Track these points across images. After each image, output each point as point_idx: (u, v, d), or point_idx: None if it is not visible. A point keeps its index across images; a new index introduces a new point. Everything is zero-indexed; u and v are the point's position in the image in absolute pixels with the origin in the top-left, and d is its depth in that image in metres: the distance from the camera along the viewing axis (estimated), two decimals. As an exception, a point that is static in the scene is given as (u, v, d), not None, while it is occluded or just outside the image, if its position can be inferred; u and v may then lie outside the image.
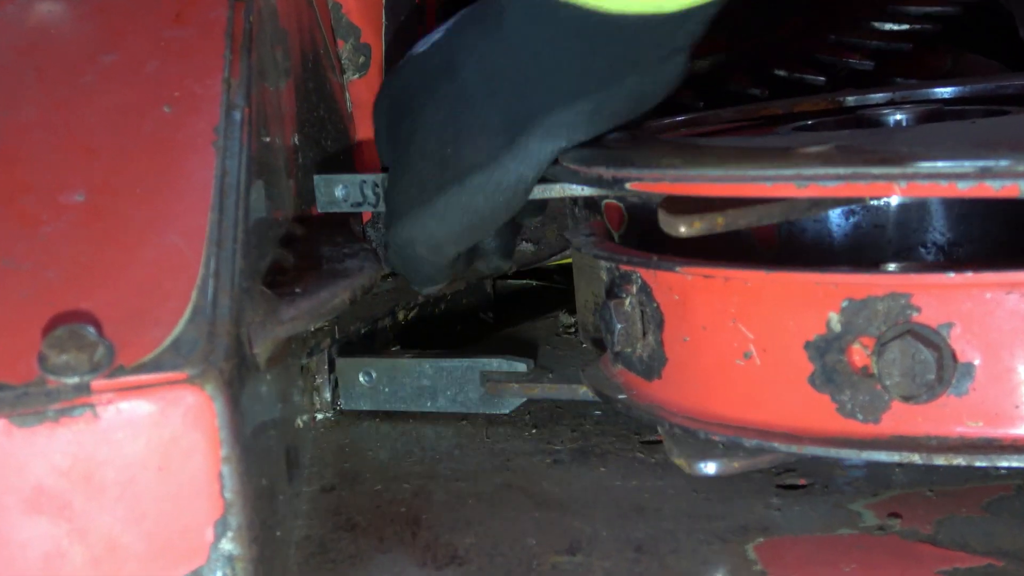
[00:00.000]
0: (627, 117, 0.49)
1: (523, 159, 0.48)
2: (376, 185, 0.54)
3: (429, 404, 0.57)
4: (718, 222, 0.41)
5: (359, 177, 0.55)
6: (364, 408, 0.57)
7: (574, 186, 0.49)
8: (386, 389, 0.57)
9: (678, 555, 0.43)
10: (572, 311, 0.65)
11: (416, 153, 0.50)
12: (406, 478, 0.51)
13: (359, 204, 0.55)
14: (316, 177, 0.55)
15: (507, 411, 0.56)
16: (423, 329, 0.66)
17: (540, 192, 0.50)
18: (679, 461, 0.44)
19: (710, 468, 0.43)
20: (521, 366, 0.55)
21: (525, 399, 0.56)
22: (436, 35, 0.51)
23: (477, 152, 0.48)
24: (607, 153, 0.48)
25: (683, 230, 0.41)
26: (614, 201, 0.52)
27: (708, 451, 0.44)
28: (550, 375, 0.54)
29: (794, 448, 0.42)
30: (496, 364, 0.56)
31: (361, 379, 0.57)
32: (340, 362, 0.58)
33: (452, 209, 0.49)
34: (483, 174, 0.48)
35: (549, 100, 0.47)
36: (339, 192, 0.55)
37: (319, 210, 0.55)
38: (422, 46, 0.52)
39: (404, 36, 0.61)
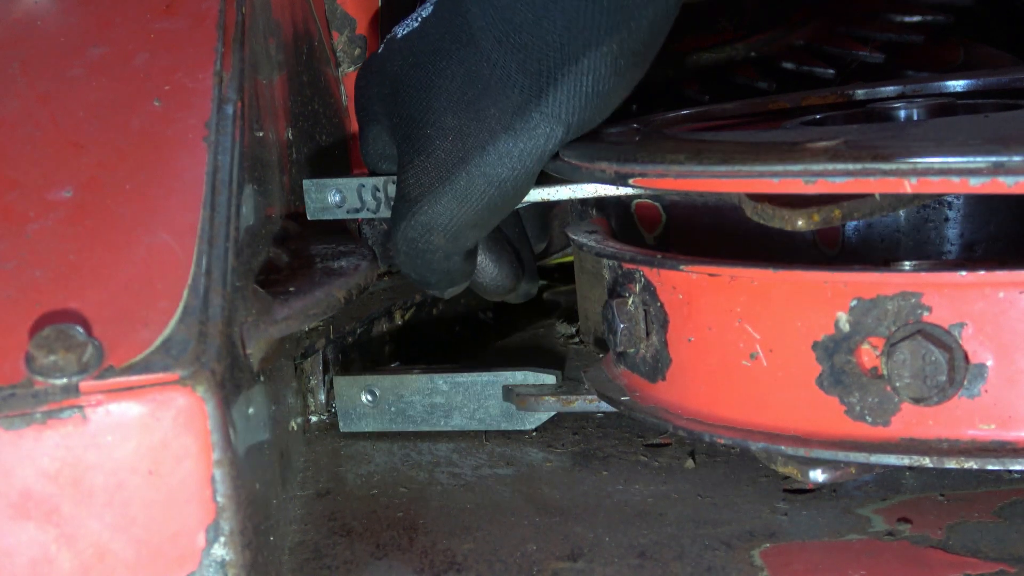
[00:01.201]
0: (646, 59, 0.46)
1: (552, 114, 0.45)
2: (377, 189, 0.51)
3: (443, 423, 0.54)
4: (835, 214, 0.40)
5: (356, 181, 0.51)
6: (367, 430, 0.55)
7: (605, 186, 0.47)
8: (392, 408, 0.54)
9: (682, 561, 0.42)
10: (570, 315, 0.64)
11: (431, 130, 0.47)
12: (403, 482, 0.50)
13: (356, 210, 0.52)
14: (306, 182, 0.52)
15: (532, 427, 0.53)
16: (420, 330, 0.65)
17: (567, 193, 0.48)
18: (788, 470, 0.42)
19: (820, 476, 0.41)
20: (550, 378, 0.52)
21: (553, 414, 0.53)
22: (424, 11, 0.49)
23: (502, 113, 0.46)
24: (611, 148, 0.47)
25: (801, 223, 0.40)
26: (649, 200, 0.51)
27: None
28: (585, 387, 0.50)
29: (801, 452, 0.42)
30: (522, 377, 0.52)
31: (363, 399, 0.54)
32: (338, 381, 0.54)
33: (475, 182, 0.46)
34: (509, 136, 0.46)
35: (573, 46, 0.45)
36: (333, 197, 0.51)
37: (309, 217, 0.52)
38: (408, 26, 0.50)
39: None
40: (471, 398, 0.53)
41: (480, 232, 0.49)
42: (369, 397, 0.54)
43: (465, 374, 0.53)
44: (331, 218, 0.52)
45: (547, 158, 0.47)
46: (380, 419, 0.54)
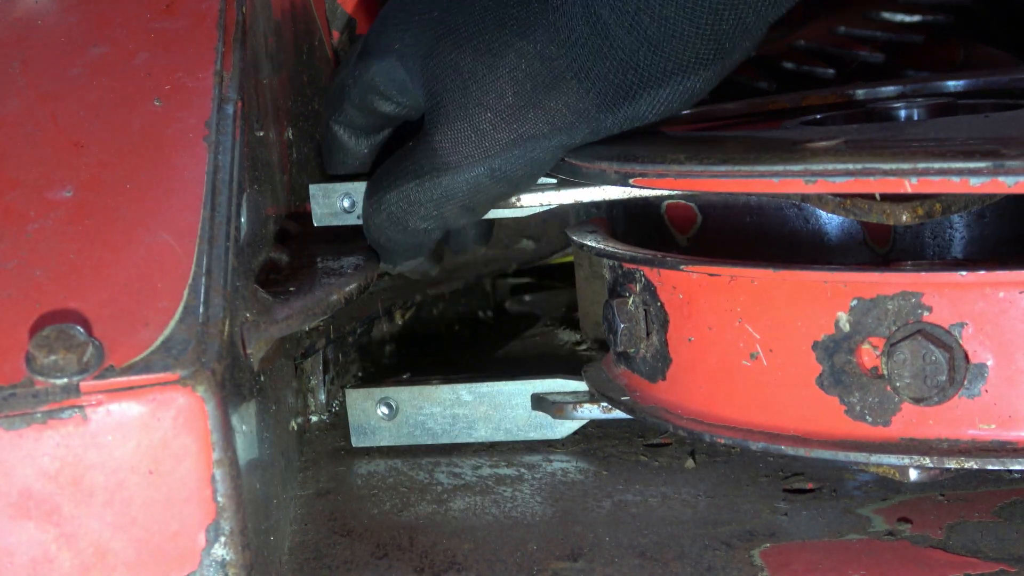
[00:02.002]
0: (716, 83, 0.45)
1: (613, 126, 0.44)
2: None
3: (467, 435, 0.51)
4: (936, 208, 0.40)
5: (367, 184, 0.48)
6: (382, 444, 0.52)
7: (638, 189, 0.45)
8: (410, 421, 0.51)
9: (682, 561, 0.42)
10: (570, 321, 0.63)
11: (488, 100, 0.45)
12: (403, 482, 0.50)
13: None
14: (312, 187, 0.49)
15: (561, 437, 0.51)
16: (420, 329, 0.65)
17: (596, 194, 0.46)
18: (883, 470, 0.41)
19: (914, 475, 0.41)
20: (581, 385, 0.50)
21: (586, 422, 0.51)
22: None
23: (568, 112, 0.44)
24: (611, 148, 0.47)
25: (906, 217, 0.40)
26: (682, 201, 0.50)
27: None
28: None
29: (802, 452, 0.42)
30: (552, 385, 0.50)
31: (378, 412, 0.51)
32: (350, 394, 0.52)
33: (515, 167, 0.45)
34: (565, 134, 0.44)
35: (665, 70, 0.43)
36: (343, 202, 0.49)
37: (316, 224, 0.50)
38: None
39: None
40: (496, 408, 0.51)
41: (487, 210, 0.47)
42: (385, 410, 0.52)
43: (490, 383, 0.51)
44: (340, 224, 0.50)
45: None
46: (397, 433, 0.52)
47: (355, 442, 0.52)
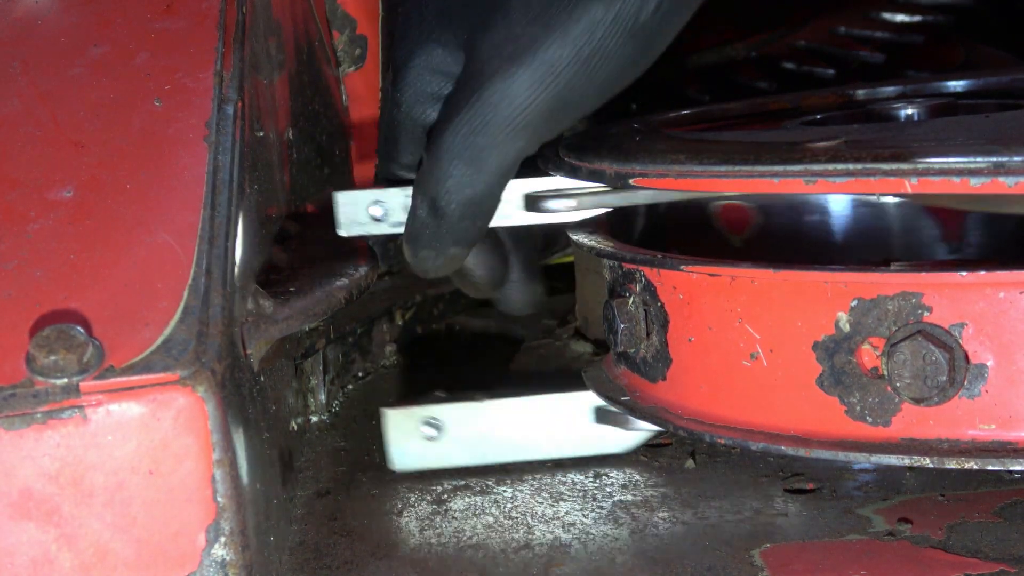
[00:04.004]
0: None
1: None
2: None
3: (521, 454, 0.48)
4: None
5: (400, 191, 0.45)
6: (429, 467, 0.48)
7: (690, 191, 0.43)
8: (458, 442, 0.48)
9: (682, 561, 0.42)
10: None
11: (510, 6, 0.41)
12: (403, 482, 0.50)
13: (399, 224, 0.45)
14: (336, 194, 0.46)
15: (623, 451, 0.49)
16: (420, 330, 0.65)
17: (650, 197, 0.44)
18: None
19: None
20: None
21: (652, 434, 0.48)
22: None
23: None
24: (611, 148, 0.47)
25: None
26: (738, 202, 0.49)
27: None
28: None
29: (802, 452, 0.42)
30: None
31: (422, 432, 0.48)
32: (389, 414, 0.48)
33: (561, 54, 0.40)
34: (600, 2, 0.40)
35: None
36: (373, 211, 0.45)
37: (342, 234, 0.47)
38: None
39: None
40: (553, 424, 0.48)
41: (550, 131, 0.43)
42: (430, 431, 0.48)
43: (542, 396, 0.48)
44: (369, 234, 0.46)
45: (640, 35, 0.41)
46: (444, 454, 0.48)
47: (396, 466, 0.49)
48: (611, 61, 0.42)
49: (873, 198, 0.45)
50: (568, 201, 0.46)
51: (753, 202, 0.48)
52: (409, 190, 0.46)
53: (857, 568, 0.41)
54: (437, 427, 0.48)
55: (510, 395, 0.49)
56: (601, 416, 0.48)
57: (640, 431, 0.48)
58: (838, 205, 0.47)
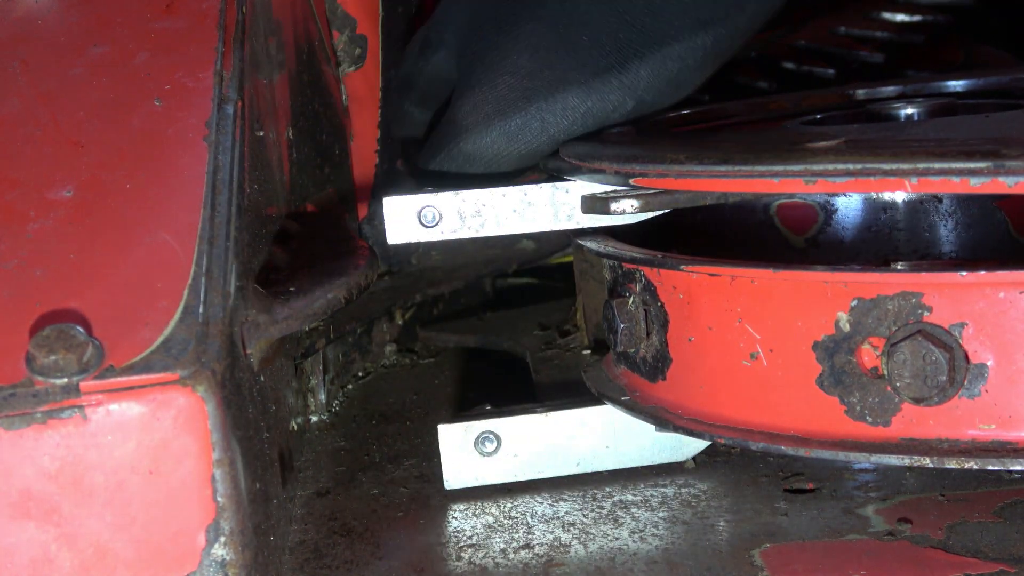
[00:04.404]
0: (727, 56, 0.47)
1: (629, 86, 0.46)
2: (484, 205, 0.44)
3: (584, 465, 0.47)
4: None
5: (453, 195, 0.44)
6: (487, 483, 0.47)
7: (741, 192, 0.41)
8: (517, 455, 0.47)
9: (682, 561, 0.42)
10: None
11: (503, 65, 0.47)
12: (403, 482, 0.50)
13: (454, 230, 0.44)
14: (387, 200, 0.45)
15: (687, 459, 0.48)
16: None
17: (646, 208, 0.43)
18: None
19: None
20: None
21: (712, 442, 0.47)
22: None
23: (580, 70, 0.46)
24: (611, 148, 0.47)
25: None
26: (800, 200, 0.49)
27: None
28: None
29: (802, 451, 0.41)
30: None
31: (480, 447, 0.47)
32: (445, 429, 0.47)
33: (530, 125, 0.46)
34: (579, 93, 0.46)
35: (671, 29, 0.45)
36: (425, 216, 0.44)
37: (390, 241, 0.46)
38: None
39: (402, 28, 0.60)
40: (616, 434, 0.47)
41: (513, 171, 0.49)
42: (487, 446, 0.47)
43: (600, 406, 0.47)
44: (420, 241, 0.45)
45: (607, 124, 0.47)
46: (503, 469, 0.47)
47: (451, 483, 0.47)
48: (574, 135, 0.48)
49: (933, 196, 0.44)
50: (633, 202, 0.44)
51: (816, 201, 0.48)
52: (461, 194, 0.46)
53: (857, 568, 0.41)
54: (495, 442, 0.47)
55: (567, 406, 0.48)
56: (660, 425, 0.46)
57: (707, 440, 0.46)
58: (904, 200, 0.46)
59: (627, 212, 0.44)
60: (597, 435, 0.47)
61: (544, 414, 0.47)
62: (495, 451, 0.47)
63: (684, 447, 0.48)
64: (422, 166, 0.50)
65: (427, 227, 0.45)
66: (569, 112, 0.47)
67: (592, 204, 0.46)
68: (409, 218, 0.46)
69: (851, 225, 0.48)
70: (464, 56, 0.49)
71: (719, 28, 0.45)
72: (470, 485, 0.47)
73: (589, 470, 0.48)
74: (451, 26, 0.51)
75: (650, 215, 0.46)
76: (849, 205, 0.48)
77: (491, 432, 0.47)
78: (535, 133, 0.47)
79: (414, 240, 0.46)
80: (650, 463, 0.48)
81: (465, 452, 0.47)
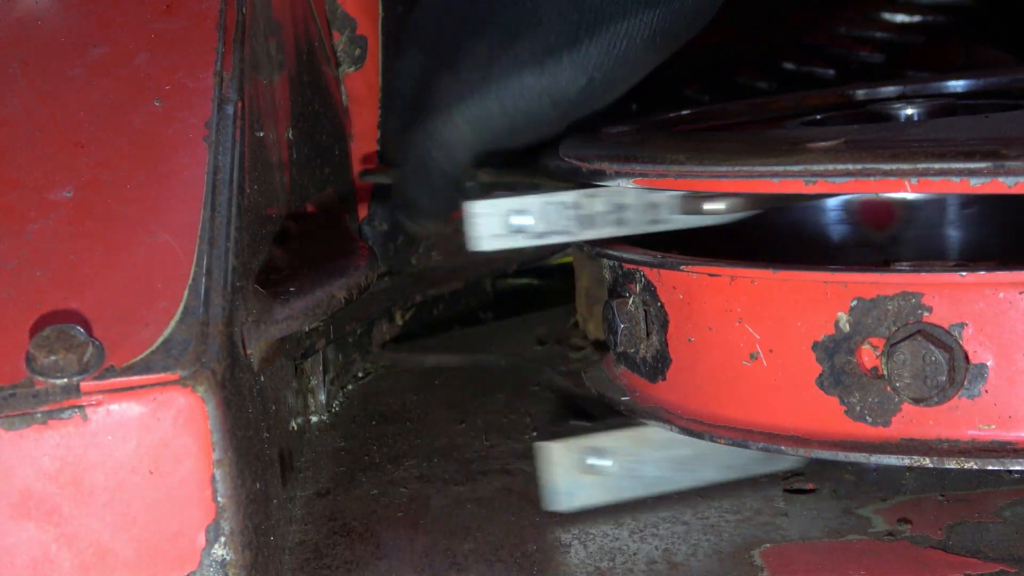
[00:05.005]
0: (679, 40, 0.48)
1: (580, 63, 0.47)
2: (571, 207, 0.41)
3: (688, 479, 0.45)
4: None
5: (541, 197, 0.42)
6: (594, 503, 0.45)
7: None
8: (622, 472, 0.45)
9: (683, 561, 0.42)
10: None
11: (462, 52, 0.49)
12: (403, 482, 0.50)
13: (545, 234, 0.41)
14: (472, 205, 0.42)
15: (791, 467, 0.47)
16: (421, 330, 0.64)
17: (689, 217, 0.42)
18: None
19: None
20: None
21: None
22: None
23: (532, 51, 0.47)
24: (611, 148, 0.47)
25: None
26: (877, 199, 0.48)
27: None
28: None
29: (802, 452, 0.42)
30: None
31: (589, 466, 0.44)
32: (549, 449, 0.44)
33: (489, 108, 0.48)
34: (533, 72, 0.47)
35: (617, 7, 0.46)
36: (519, 220, 0.42)
37: (474, 248, 0.43)
38: None
39: (402, 28, 0.60)
40: (720, 445, 0.44)
41: (475, 157, 0.50)
42: (600, 462, 0.44)
43: None
44: (508, 247, 0.43)
45: (564, 105, 0.47)
46: (609, 487, 0.45)
47: (561, 506, 0.44)
48: (534, 119, 0.49)
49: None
50: (722, 202, 0.43)
51: (895, 200, 0.47)
52: (550, 196, 0.44)
53: (857, 568, 0.41)
54: (607, 460, 0.44)
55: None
56: None
57: None
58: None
59: (722, 211, 0.43)
60: (701, 447, 0.45)
61: (651, 427, 0.45)
62: (606, 469, 0.44)
63: (784, 457, 0.46)
64: (391, 159, 0.52)
65: (518, 232, 0.43)
66: (526, 92, 0.48)
67: (685, 204, 0.44)
68: (499, 224, 0.43)
69: (934, 222, 0.46)
70: (431, 48, 0.52)
71: (664, 6, 0.46)
72: (581, 507, 0.45)
73: (697, 484, 0.46)
74: (418, 23, 0.53)
75: (743, 215, 0.44)
76: (932, 201, 0.47)
77: (599, 449, 0.44)
78: (495, 115, 0.48)
79: (505, 247, 0.43)
80: (757, 473, 0.46)
81: (572, 472, 0.44)
